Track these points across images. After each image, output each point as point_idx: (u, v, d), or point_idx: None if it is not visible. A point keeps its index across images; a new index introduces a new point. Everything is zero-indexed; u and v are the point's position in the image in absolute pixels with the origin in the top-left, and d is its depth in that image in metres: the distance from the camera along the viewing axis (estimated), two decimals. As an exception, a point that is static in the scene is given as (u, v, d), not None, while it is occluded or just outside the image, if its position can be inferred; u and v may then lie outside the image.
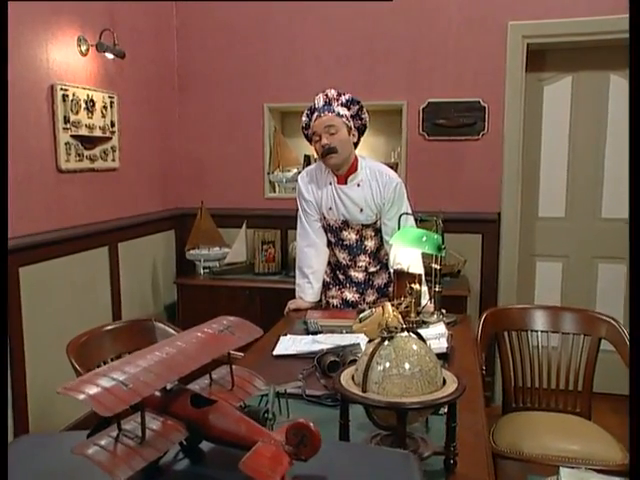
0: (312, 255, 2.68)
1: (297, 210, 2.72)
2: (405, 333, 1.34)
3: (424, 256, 2.60)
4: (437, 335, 2.14)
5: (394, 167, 3.73)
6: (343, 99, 2.55)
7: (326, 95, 2.56)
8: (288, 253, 3.85)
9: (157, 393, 0.79)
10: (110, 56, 3.04)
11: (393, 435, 1.38)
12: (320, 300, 2.80)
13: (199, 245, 3.85)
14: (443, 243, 2.38)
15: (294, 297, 2.75)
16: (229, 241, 3.88)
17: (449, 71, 3.62)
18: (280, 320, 2.61)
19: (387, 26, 3.66)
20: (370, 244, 2.66)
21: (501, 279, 3.70)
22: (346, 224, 2.62)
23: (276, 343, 2.17)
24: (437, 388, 1.28)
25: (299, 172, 3.81)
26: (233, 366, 1.01)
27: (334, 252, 2.71)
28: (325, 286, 2.79)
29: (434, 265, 2.48)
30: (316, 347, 2.06)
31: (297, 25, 3.79)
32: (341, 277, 2.74)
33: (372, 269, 2.71)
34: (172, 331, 2.36)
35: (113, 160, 3.27)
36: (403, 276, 2.59)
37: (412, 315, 2.40)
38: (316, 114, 2.53)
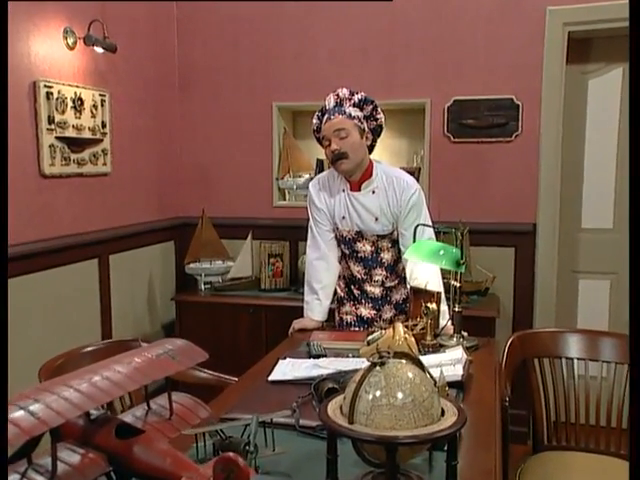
0: (322, 269, 2.70)
1: (308, 220, 2.75)
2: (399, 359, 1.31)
3: (443, 272, 2.58)
4: (453, 361, 2.11)
5: (416, 172, 3.71)
6: (356, 99, 2.56)
7: (337, 95, 2.58)
8: (298, 267, 3.84)
9: (80, 422, 0.78)
10: (100, 50, 3.08)
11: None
12: (329, 319, 2.81)
13: (200, 258, 3.87)
14: (462, 257, 2.35)
15: (302, 316, 2.77)
16: (233, 254, 3.88)
17: (478, 65, 3.59)
18: (282, 342, 2.61)
19: (408, 16, 3.65)
20: (387, 257, 2.67)
21: (537, 299, 3.63)
22: (360, 235, 2.63)
23: (273, 367, 2.16)
24: (433, 421, 1.25)
25: (311, 178, 3.82)
26: (179, 393, 1.00)
27: (348, 265, 2.73)
28: (339, 301, 2.82)
29: (453, 282, 2.45)
30: (316, 372, 2.06)
31: (309, 16, 3.80)
32: (356, 292, 2.75)
33: (389, 284, 2.72)
34: (160, 353, 2.37)
35: (104, 164, 3.31)
36: (420, 294, 2.57)
37: (428, 338, 2.38)
38: (326, 116, 2.56)
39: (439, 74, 3.64)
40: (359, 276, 2.71)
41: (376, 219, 2.59)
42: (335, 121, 2.51)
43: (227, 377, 2.31)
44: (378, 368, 1.28)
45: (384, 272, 2.69)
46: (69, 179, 3.06)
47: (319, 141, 2.64)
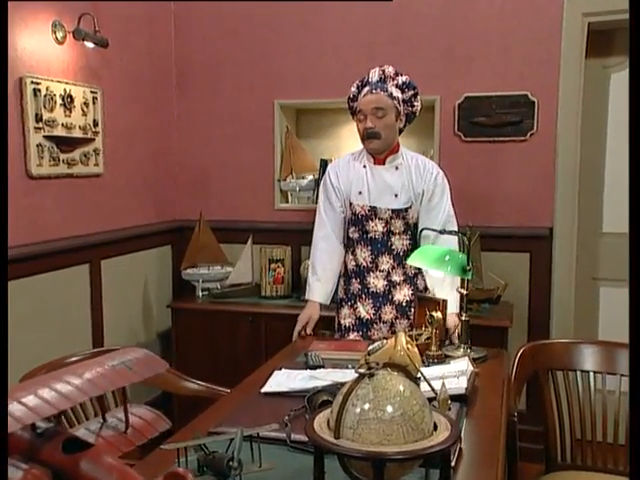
0: (326, 248, 2.79)
1: (315, 216, 2.84)
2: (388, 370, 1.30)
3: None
4: (457, 373, 2.10)
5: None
6: (400, 80, 2.66)
7: (383, 72, 2.66)
8: (300, 274, 3.83)
9: (25, 435, 0.78)
10: (90, 45, 3.10)
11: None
12: (330, 328, 2.84)
13: (197, 263, 3.88)
14: (469, 263, 2.33)
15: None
16: (232, 259, 3.89)
17: (490, 59, 3.57)
18: (280, 351, 2.61)
19: (417, 8, 3.65)
20: (397, 243, 2.71)
21: (554, 307, 3.60)
22: (374, 212, 2.68)
23: (268, 378, 2.16)
24: (424, 436, 1.23)
25: (315, 179, 3.83)
26: (140, 406, 1.00)
27: (354, 253, 2.75)
28: (338, 305, 2.85)
29: (460, 289, 2.44)
30: (312, 384, 2.06)
31: (313, 9, 3.81)
32: (357, 287, 2.77)
33: (395, 277, 2.73)
34: (148, 363, 2.38)
35: (96, 164, 3.33)
36: (424, 302, 2.56)
37: (433, 348, 2.37)
38: (367, 89, 2.63)
39: (449, 69, 3.63)
40: (365, 264, 2.73)
41: (396, 195, 2.67)
42: (376, 97, 2.60)
43: (219, 388, 2.32)
44: (366, 380, 1.27)
45: (391, 261, 2.71)
46: (58, 180, 3.08)
47: (351, 111, 2.74)
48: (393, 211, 2.67)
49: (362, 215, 2.70)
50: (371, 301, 2.75)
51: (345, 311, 2.81)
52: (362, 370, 1.28)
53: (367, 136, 2.62)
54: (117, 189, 3.55)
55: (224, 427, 1.75)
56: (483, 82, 3.58)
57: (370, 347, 2.25)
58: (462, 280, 2.43)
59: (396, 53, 3.69)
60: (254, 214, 4.00)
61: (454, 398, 1.90)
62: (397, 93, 2.64)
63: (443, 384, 1.82)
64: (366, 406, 1.24)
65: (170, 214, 4.09)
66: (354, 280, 2.78)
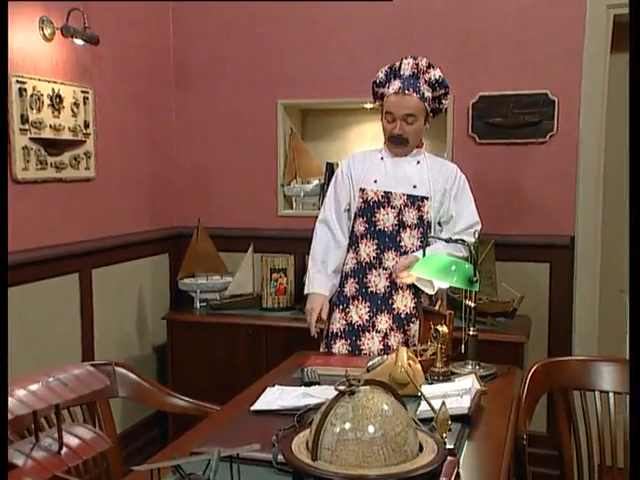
0: (326, 238, 2.84)
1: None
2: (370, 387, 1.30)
3: (457, 290, 2.56)
4: (460, 391, 2.08)
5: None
6: (432, 76, 2.70)
7: (416, 65, 2.69)
8: (303, 284, 3.81)
9: None
10: (80, 42, 3.13)
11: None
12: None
13: (195, 273, 3.89)
14: (475, 274, 2.32)
15: (308, 339, 2.81)
16: (232, 268, 3.90)
17: (507, 56, 3.56)
18: (277, 366, 2.62)
19: (428, 1, 3.65)
20: (407, 239, 2.71)
21: (577, 322, 3.58)
22: (387, 199, 2.70)
23: (259, 395, 2.17)
24: (407, 458, 1.23)
25: (320, 184, 3.84)
26: (79, 425, 1.00)
27: (358, 249, 2.75)
28: (330, 307, 2.82)
29: (468, 302, 2.43)
30: (304, 402, 2.07)
31: (318, 4, 3.82)
32: (354, 288, 2.75)
33: (398, 279, 2.71)
34: (136, 378, 2.39)
35: (87, 168, 3.36)
36: (430, 315, 2.55)
37: (438, 365, 2.36)
38: (398, 84, 2.66)
39: (463, 67, 3.62)
40: (368, 259, 2.73)
41: (414, 186, 2.71)
42: (409, 100, 2.64)
43: (208, 405, 2.32)
44: (346, 397, 1.27)
45: (397, 258, 2.70)
46: (46, 185, 3.11)
47: (375, 95, 2.79)
48: (408, 197, 2.69)
49: (374, 202, 2.72)
50: (368, 304, 2.73)
51: (335, 315, 2.80)
52: (342, 387, 1.27)
53: (395, 140, 2.69)
54: (110, 194, 3.58)
55: (208, 447, 1.75)
56: (499, 80, 3.57)
57: (370, 362, 2.26)
58: (469, 292, 2.41)
59: (406, 49, 3.62)
60: (256, 221, 4.01)
61: (456, 418, 1.89)
62: (428, 93, 2.68)
63: (443, 403, 1.80)
64: (345, 426, 1.24)
65: (167, 220, 4.11)
66: (352, 280, 2.77)
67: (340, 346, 2.76)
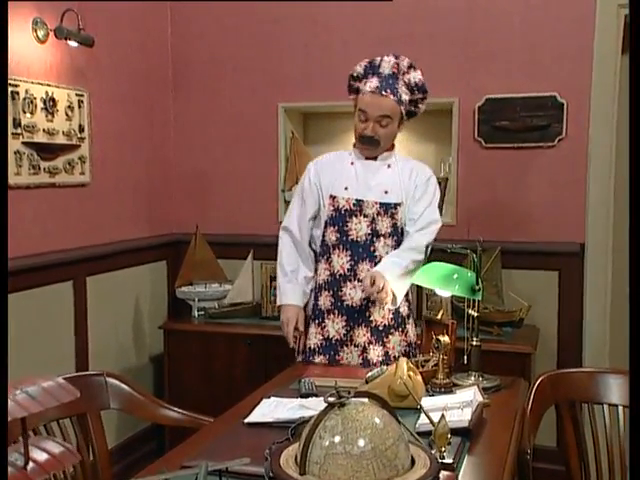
0: (290, 246, 2.80)
1: None
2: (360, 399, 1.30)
3: (460, 299, 2.56)
4: (461, 404, 2.08)
5: (442, 183, 3.69)
6: (412, 79, 2.67)
7: (397, 65, 2.67)
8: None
9: None
10: (74, 44, 3.15)
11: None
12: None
13: (193, 281, 3.90)
14: (478, 283, 2.33)
15: (309, 350, 2.79)
16: (231, 276, 3.91)
17: (514, 56, 3.57)
18: (274, 377, 2.62)
19: (432, 1, 3.66)
20: (381, 248, 2.67)
21: (587, 332, 3.57)
22: (359, 207, 2.66)
23: (255, 407, 2.17)
24: (397, 473, 1.23)
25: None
26: (47, 439, 1.01)
27: (330, 260, 2.70)
28: (306, 323, 2.79)
29: (470, 311, 2.43)
30: (300, 414, 2.05)
31: (320, 4, 3.83)
32: (328, 302, 2.71)
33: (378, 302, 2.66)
34: (128, 389, 2.40)
35: (82, 173, 3.38)
36: (432, 325, 2.56)
37: (440, 376, 2.36)
38: (376, 84, 2.61)
39: (468, 68, 3.63)
40: (342, 271, 2.67)
41: (386, 192, 2.67)
42: (384, 102, 2.59)
43: (202, 417, 2.32)
44: (336, 410, 1.28)
45: (372, 269, 2.64)
46: (39, 190, 3.13)
47: (350, 89, 2.74)
48: (381, 205, 2.65)
49: (345, 210, 2.67)
50: (344, 317, 2.68)
51: (311, 330, 2.75)
52: (331, 399, 1.28)
53: (365, 141, 2.65)
54: (105, 200, 3.60)
55: (200, 460, 1.75)
56: (506, 82, 3.57)
57: (369, 374, 2.26)
58: (472, 300, 2.42)
59: (410, 51, 3.63)
60: (255, 227, 4.02)
61: (456, 432, 1.89)
62: (406, 96, 2.65)
63: (442, 416, 1.80)
64: (334, 439, 1.24)
65: (165, 227, 4.13)
66: (326, 292, 2.71)
67: (319, 362, 2.72)
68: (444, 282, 2.36)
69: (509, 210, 3.62)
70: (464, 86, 3.62)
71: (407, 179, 2.70)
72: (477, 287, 2.33)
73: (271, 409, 2.16)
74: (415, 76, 2.68)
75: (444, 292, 2.47)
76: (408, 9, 3.69)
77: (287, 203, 3.99)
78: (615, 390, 2.46)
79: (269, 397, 2.27)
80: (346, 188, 2.68)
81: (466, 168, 3.65)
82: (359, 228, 2.66)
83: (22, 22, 2.99)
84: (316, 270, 2.79)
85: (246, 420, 2.08)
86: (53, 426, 2.14)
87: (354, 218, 2.66)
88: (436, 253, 2.74)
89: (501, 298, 3.31)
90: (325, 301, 2.72)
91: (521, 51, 3.56)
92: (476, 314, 2.42)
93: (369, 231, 2.66)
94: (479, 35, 3.61)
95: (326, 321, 2.72)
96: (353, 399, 1.28)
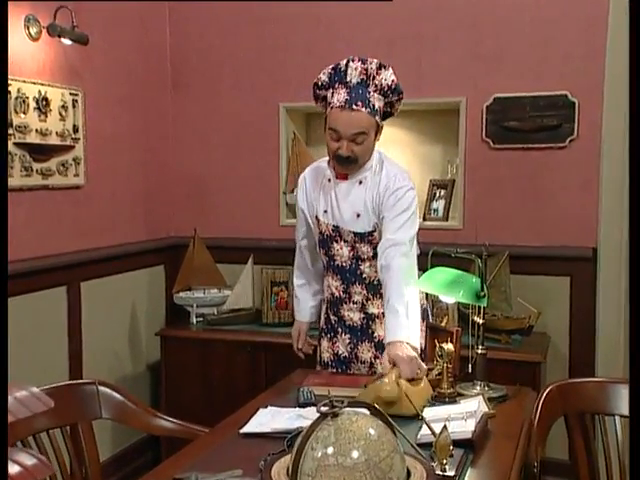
0: (299, 261, 2.85)
1: None
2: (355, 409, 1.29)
3: (465, 305, 2.54)
4: (465, 414, 2.07)
5: (449, 185, 3.68)
6: (383, 81, 2.45)
7: (365, 70, 2.45)
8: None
9: None
10: (68, 42, 3.16)
11: None
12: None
13: (191, 286, 3.90)
14: (483, 289, 2.31)
15: (311, 356, 2.82)
16: (230, 281, 3.91)
17: (524, 55, 3.56)
18: (273, 385, 2.63)
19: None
20: (367, 270, 2.62)
21: (600, 340, 3.55)
22: (338, 233, 2.60)
23: (251, 417, 2.17)
24: (392, 486, 1.22)
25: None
26: (21, 451, 1.00)
27: (329, 282, 2.72)
28: (319, 335, 2.83)
29: (476, 318, 2.42)
30: (297, 424, 2.05)
31: (322, 2, 3.82)
32: (333, 319, 2.75)
33: (372, 309, 2.66)
34: (120, 398, 2.39)
35: (76, 175, 3.38)
36: (436, 333, 2.55)
37: (444, 385, 2.35)
38: (345, 97, 2.41)
39: (476, 67, 3.62)
40: (337, 294, 2.68)
41: (358, 215, 2.55)
42: (357, 119, 2.40)
43: (197, 427, 2.31)
44: (329, 420, 1.26)
45: (364, 291, 2.64)
46: (31, 192, 3.13)
47: (316, 98, 2.59)
48: (356, 234, 2.57)
49: (327, 235, 2.63)
50: (348, 336, 2.70)
51: (324, 344, 2.79)
52: (324, 409, 1.27)
53: (343, 163, 2.49)
54: (101, 202, 3.60)
55: (193, 472, 1.75)
56: (515, 81, 3.56)
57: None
58: (478, 307, 2.40)
59: (416, 50, 3.70)
60: (256, 231, 4.02)
61: (459, 443, 1.87)
62: (379, 102, 2.46)
63: (444, 427, 1.79)
64: (327, 450, 1.23)
65: (163, 230, 4.13)
66: (330, 311, 2.76)
67: None
68: (448, 288, 2.35)
69: (518, 213, 3.61)
70: (472, 85, 3.61)
71: (377, 196, 2.53)
72: (482, 293, 2.31)
73: (268, 419, 2.15)
74: (386, 77, 2.46)
75: (448, 298, 2.46)
76: (415, 8, 3.69)
77: (288, 205, 4.03)
78: (627, 401, 2.44)
79: (266, 406, 2.26)
80: (325, 211, 2.61)
81: (474, 170, 3.63)
82: (342, 253, 2.62)
83: (14, 19, 2.99)
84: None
85: (242, 430, 2.07)
86: (42, 437, 2.14)
87: (335, 244, 2.62)
88: (441, 258, 2.71)
89: (510, 305, 3.29)
90: (332, 318, 2.76)
91: (530, 48, 3.55)
92: (482, 321, 2.40)
93: (351, 255, 2.62)
94: (487, 32, 3.60)
95: (337, 337, 2.75)
96: (347, 409, 1.27)
